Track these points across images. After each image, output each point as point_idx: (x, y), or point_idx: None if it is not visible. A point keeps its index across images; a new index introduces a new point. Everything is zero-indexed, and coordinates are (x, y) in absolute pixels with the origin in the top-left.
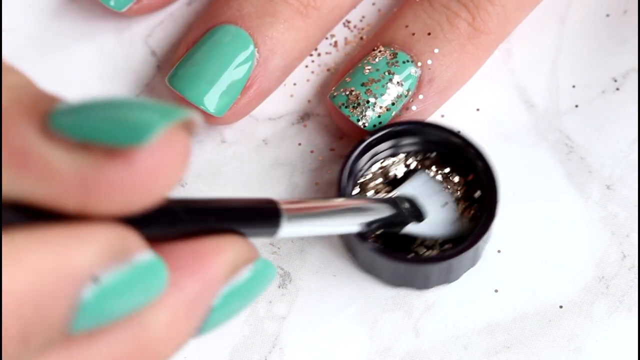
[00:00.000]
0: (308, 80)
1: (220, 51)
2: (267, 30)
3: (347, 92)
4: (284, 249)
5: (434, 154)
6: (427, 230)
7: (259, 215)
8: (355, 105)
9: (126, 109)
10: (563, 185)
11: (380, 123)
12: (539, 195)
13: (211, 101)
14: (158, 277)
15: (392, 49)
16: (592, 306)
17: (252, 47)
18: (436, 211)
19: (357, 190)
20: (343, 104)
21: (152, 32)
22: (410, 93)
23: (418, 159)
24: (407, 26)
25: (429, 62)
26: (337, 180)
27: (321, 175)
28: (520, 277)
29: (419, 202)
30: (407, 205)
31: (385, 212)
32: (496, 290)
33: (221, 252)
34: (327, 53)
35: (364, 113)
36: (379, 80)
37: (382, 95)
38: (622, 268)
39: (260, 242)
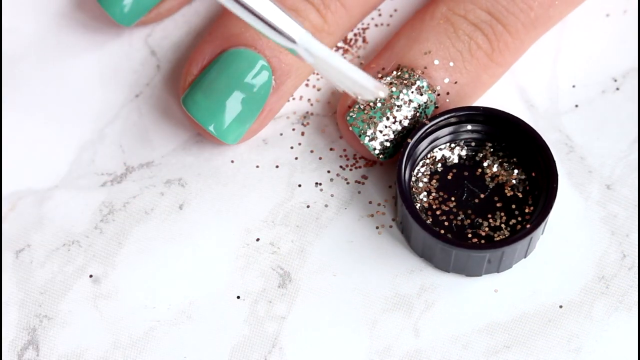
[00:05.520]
0: (308, 81)
1: (239, 81)
2: (285, 57)
3: (364, 119)
4: (284, 249)
5: (495, 143)
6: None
7: None
8: (374, 135)
9: None
10: (563, 185)
11: (393, 149)
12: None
13: (229, 133)
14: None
15: (413, 74)
16: (592, 306)
17: (269, 74)
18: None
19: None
20: (360, 130)
21: (152, 32)
22: (423, 120)
23: (478, 147)
24: (430, 52)
25: (447, 92)
26: (398, 164)
27: (321, 175)
28: (520, 277)
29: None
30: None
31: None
32: (496, 290)
33: None
34: None
35: (379, 140)
36: (397, 108)
37: (398, 122)
38: (622, 268)
39: (260, 242)
